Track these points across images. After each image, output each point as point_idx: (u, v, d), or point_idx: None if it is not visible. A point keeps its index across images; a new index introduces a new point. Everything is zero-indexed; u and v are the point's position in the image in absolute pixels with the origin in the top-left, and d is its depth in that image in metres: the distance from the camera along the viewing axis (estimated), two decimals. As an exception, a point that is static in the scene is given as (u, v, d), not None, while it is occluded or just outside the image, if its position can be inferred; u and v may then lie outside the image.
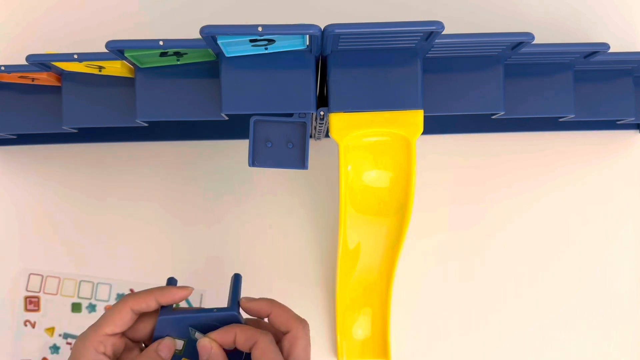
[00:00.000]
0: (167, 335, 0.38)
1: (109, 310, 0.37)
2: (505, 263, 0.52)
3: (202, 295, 0.51)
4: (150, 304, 0.37)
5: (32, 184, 0.52)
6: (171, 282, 0.41)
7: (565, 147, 0.53)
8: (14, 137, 0.50)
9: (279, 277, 0.52)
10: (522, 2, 0.53)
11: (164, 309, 0.38)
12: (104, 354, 0.36)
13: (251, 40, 0.37)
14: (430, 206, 0.52)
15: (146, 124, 0.43)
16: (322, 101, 0.42)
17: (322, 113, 0.41)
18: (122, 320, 0.37)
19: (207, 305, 0.51)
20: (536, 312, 0.52)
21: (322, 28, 0.36)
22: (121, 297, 0.40)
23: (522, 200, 0.52)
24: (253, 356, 0.35)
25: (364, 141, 0.42)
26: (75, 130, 0.46)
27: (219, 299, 0.51)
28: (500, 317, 0.52)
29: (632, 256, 0.52)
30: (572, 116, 0.45)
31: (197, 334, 0.38)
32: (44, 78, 0.44)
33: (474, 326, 0.52)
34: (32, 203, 0.52)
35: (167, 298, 0.38)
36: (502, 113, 0.43)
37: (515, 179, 0.53)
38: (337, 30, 0.35)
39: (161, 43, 0.37)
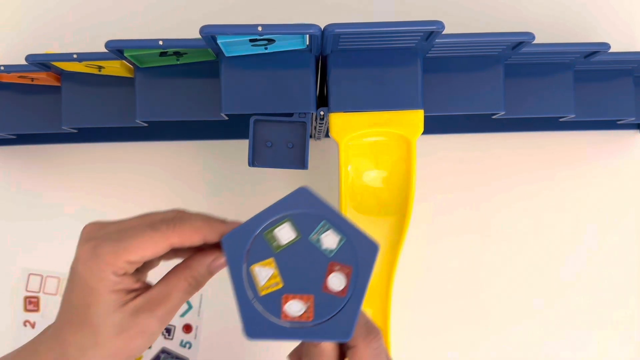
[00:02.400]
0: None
1: (139, 231, 0.29)
2: (506, 263, 0.52)
3: (201, 295, 0.51)
4: (194, 241, 0.30)
5: (31, 184, 0.52)
6: (308, 188, 0.31)
7: (566, 147, 0.53)
8: (14, 137, 0.50)
9: (279, 277, 0.52)
10: (523, 1, 0.52)
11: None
12: (126, 274, 0.30)
13: (251, 40, 0.37)
14: (431, 206, 0.52)
15: (146, 124, 0.43)
16: (322, 101, 0.42)
17: (322, 113, 0.41)
18: (153, 252, 0.29)
19: (205, 306, 0.51)
20: (537, 313, 0.52)
21: (322, 28, 0.35)
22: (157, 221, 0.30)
23: (522, 200, 0.52)
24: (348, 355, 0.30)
25: (364, 141, 0.42)
26: (75, 131, 0.46)
27: (218, 299, 0.51)
28: (501, 318, 0.52)
29: (633, 256, 0.52)
30: (573, 116, 0.45)
31: (330, 233, 0.29)
32: (43, 78, 0.44)
33: (475, 327, 0.52)
34: (31, 203, 0.52)
35: (214, 234, 0.30)
36: (503, 113, 0.43)
37: (516, 179, 0.52)
38: (337, 30, 0.35)
39: (161, 43, 0.37)
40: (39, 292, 0.51)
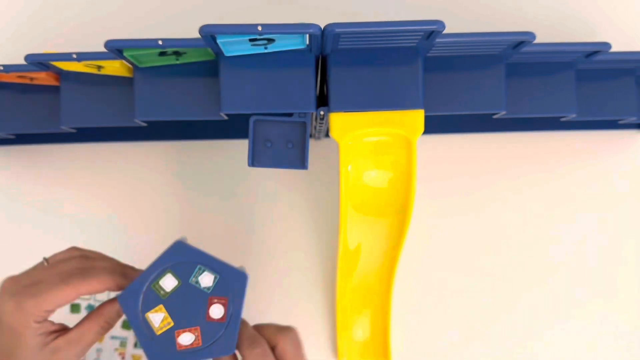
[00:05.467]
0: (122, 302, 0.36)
1: (53, 285, 0.36)
2: (507, 264, 0.52)
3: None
4: (99, 291, 0.37)
5: (30, 184, 0.52)
6: (182, 241, 0.38)
7: (567, 147, 0.53)
8: (13, 137, 0.49)
9: (279, 277, 0.52)
10: (524, 1, 0.52)
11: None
12: (45, 320, 0.36)
13: (251, 40, 0.37)
14: (431, 206, 0.52)
15: (145, 124, 0.43)
16: (322, 100, 0.42)
17: (322, 113, 0.40)
18: (66, 301, 0.36)
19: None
20: (538, 314, 0.52)
21: (322, 27, 0.35)
22: (73, 274, 0.37)
23: (523, 201, 0.52)
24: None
25: (364, 141, 0.42)
26: (74, 130, 0.46)
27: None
28: (502, 320, 0.52)
29: (634, 256, 0.52)
30: (574, 115, 0.45)
31: (205, 274, 0.36)
32: (42, 78, 0.44)
33: (476, 329, 0.52)
34: (29, 203, 0.52)
35: (116, 288, 0.37)
36: (504, 113, 0.43)
37: (517, 179, 0.52)
38: (337, 30, 0.35)
39: (160, 42, 0.36)
40: (38, 292, 0.51)
